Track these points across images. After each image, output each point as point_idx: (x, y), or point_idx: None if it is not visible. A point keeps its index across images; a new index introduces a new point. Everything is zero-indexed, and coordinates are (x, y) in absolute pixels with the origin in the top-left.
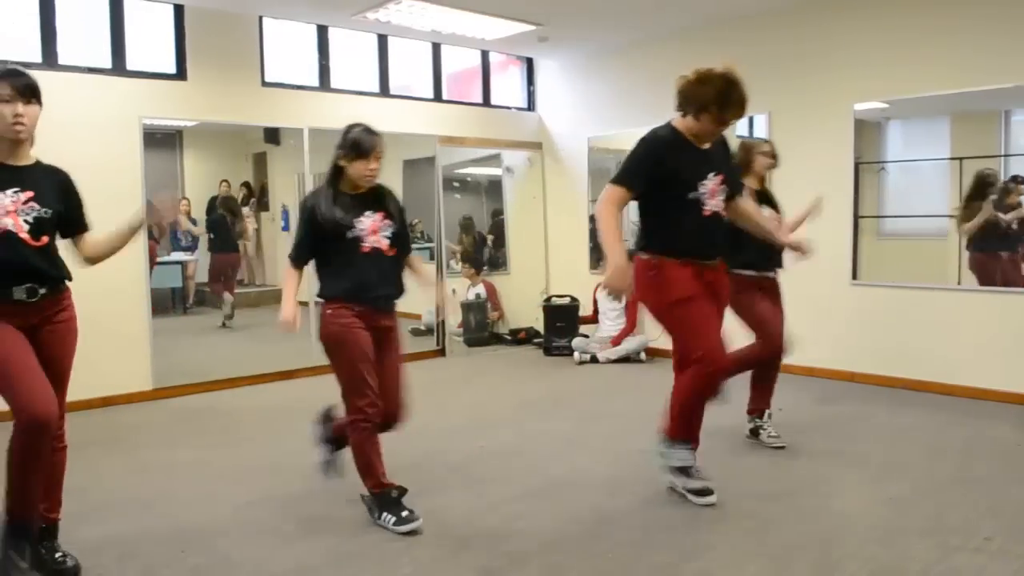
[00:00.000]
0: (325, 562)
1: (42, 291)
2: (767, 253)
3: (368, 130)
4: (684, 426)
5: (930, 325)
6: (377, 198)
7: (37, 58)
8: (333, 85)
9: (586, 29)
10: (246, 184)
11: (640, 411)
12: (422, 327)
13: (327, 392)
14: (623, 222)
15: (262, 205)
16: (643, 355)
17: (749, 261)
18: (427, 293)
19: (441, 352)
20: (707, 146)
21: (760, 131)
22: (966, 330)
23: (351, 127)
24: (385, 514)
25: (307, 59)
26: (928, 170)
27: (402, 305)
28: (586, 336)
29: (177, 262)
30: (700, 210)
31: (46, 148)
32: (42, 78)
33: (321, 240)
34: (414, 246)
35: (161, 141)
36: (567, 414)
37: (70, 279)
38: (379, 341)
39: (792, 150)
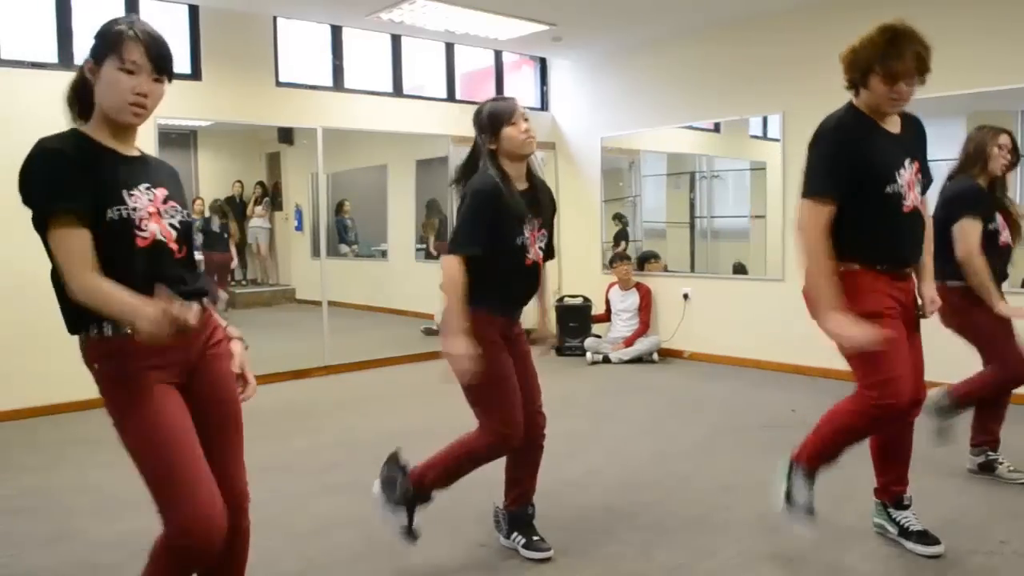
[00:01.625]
0: (337, 561)
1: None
2: (1006, 259)
3: (496, 98)
4: (823, 456)
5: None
6: (536, 197)
7: (53, 58)
8: (347, 85)
9: (600, 29)
10: (260, 184)
11: (653, 412)
12: (434, 327)
13: (338, 391)
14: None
15: (276, 205)
16: (656, 356)
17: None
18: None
19: None
20: (896, 129)
21: (774, 132)
22: None
23: (480, 107)
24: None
25: (321, 59)
26: (944, 170)
27: (415, 304)
28: (598, 336)
29: None
30: (900, 206)
31: None
32: (58, 78)
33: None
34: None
35: (176, 141)
36: (579, 414)
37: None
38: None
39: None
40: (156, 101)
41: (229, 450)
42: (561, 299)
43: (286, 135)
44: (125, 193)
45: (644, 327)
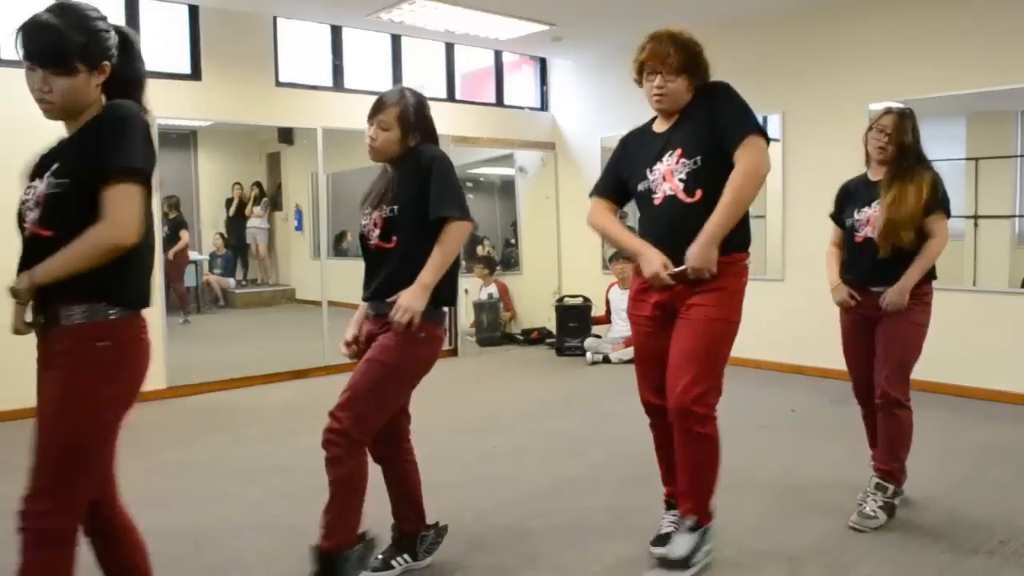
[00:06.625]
0: None
1: (40, 319)
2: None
3: (395, 90)
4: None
5: (945, 326)
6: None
7: None
8: (347, 85)
9: (600, 29)
10: (257, 184)
11: None
12: None
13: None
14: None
15: (276, 205)
16: None
17: None
18: None
19: (453, 352)
20: (667, 126)
21: (774, 132)
22: (982, 331)
23: (417, 94)
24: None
25: (321, 59)
26: (943, 170)
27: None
28: (598, 336)
29: (192, 261)
30: (651, 200)
31: None
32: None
33: None
34: None
35: (176, 141)
36: (579, 414)
37: (110, 299)
38: None
39: (806, 151)
40: (67, 93)
41: None
42: (561, 299)
43: (286, 135)
44: (26, 186)
45: None
